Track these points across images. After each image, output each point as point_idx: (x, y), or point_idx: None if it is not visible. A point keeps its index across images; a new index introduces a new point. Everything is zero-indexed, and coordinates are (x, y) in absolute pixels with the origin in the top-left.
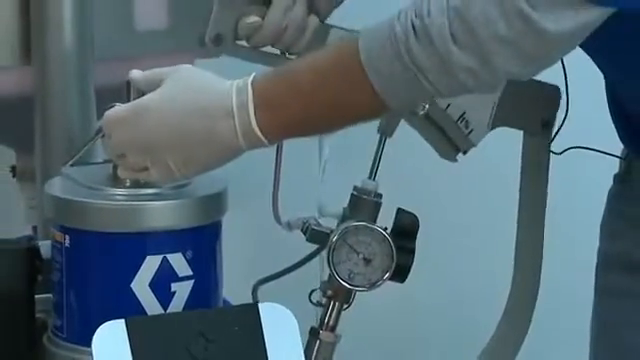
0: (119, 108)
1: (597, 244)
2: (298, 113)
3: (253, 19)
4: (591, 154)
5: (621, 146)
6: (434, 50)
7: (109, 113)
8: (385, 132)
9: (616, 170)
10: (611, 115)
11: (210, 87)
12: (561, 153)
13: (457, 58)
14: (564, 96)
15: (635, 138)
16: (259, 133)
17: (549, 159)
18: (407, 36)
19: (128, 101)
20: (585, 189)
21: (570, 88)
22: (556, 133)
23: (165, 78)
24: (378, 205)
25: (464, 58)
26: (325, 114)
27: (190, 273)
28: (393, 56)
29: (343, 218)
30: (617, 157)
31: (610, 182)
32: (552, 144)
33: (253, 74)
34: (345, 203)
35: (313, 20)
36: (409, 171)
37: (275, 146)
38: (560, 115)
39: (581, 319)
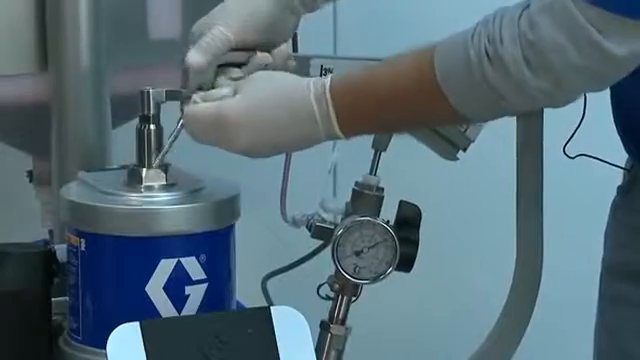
0: (203, 110)
1: (601, 247)
2: (379, 124)
3: (237, 74)
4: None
5: (625, 156)
6: (509, 76)
7: (192, 116)
8: (379, 147)
9: (620, 178)
10: (618, 129)
11: (291, 94)
12: (574, 157)
13: (532, 83)
14: (581, 100)
15: None
16: (341, 135)
17: (542, 139)
18: (481, 61)
19: (142, 109)
20: (590, 193)
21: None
22: (571, 137)
23: (238, 85)
24: (380, 199)
25: (539, 83)
26: (404, 124)
27: (204, 277)
28: (468, 79)
29: (346, 213)
30: (622, 168)
31: (615, 186)
32: (565, 149)
33: (330, 77)
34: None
35: (292, 60)
36: (410, 168)
37: None
38: (576, 119)
39: (583, 324)
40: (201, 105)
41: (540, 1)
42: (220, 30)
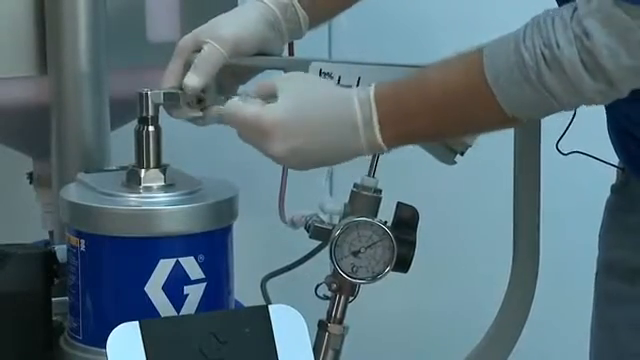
0: (243, 117)
1: (596, 245)
2: (426, 126)
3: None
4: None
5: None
6: (566, 78)
7: (231, 115)
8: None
9: (614, 177)
10: (611, 137)
11: (333, 101)
12: (568, 154)
13: (588, 84)
14: None
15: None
16: (383, 145)
17: (540, 142)
18: (538, 65)
19: (141, 111)
20: (586, 192)
21: None
22: (563, 133)
23: (278, 88)
24: (378, 200)
25: (594, 84)
26: (454, 129)
27: (202, 276)
28: (522, 80)
29: (344, 214)
30: (616, 167)
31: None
32: (558, 145)
33: (374, 85)
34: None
35: None
36: (408, 170)
37: None
38: (567, 117)
39: (578, 322)
40: (242, 105)
41: (587, 5)
42: (214, 46)
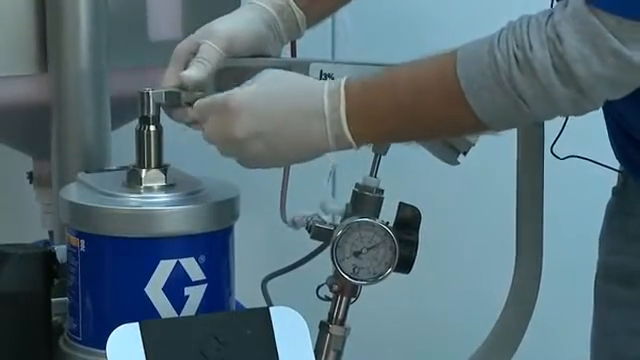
0: (212, 98)
1: (596, 246)
2: (395, 127)
3: None
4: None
5: None
6: (537, 81)
7: (201, 102)
8: (379, 151)
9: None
10: (610, 139)
11: (302, 89)
12: (564, 158)
13: (559, 90)
14: None
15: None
16: (351, 139)
17: (543, 141)
18: (509, 66)
19: (142, 110)
20: (586, 194)
21: None
22: (557, 138)
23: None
24: (380, 201)
25: (565, 90)
26: (423, 131)
27: (203, 277)
28: (494, 83)
29: (346, 214)
30: (615, 170)
31: (610, 186)
32: (552, 149)
33: (345, 77)
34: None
35: None
36: (410, 170)
37: None
38: (560, 121)
39: (579, 326)
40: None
41: (563, 11)
42: (209, 45)
